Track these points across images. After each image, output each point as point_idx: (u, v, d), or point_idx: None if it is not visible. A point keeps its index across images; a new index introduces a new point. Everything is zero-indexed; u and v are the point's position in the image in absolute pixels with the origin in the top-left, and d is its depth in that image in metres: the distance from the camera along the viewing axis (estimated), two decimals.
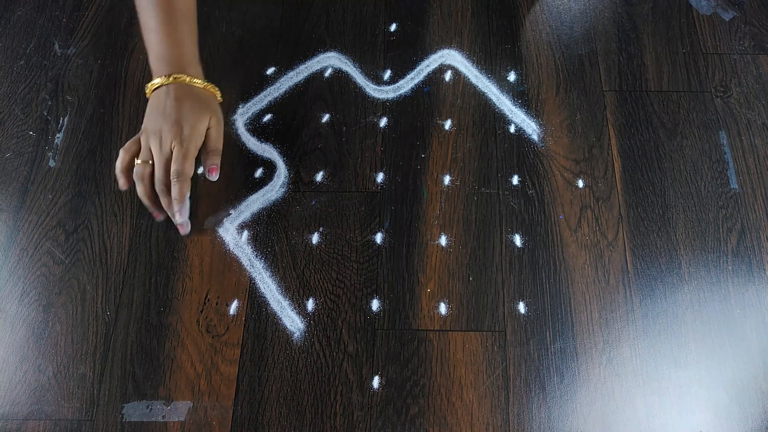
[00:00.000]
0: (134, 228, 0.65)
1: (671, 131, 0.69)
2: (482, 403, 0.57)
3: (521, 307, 0.61)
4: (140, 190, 0.62)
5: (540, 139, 0.69)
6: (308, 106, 0.71)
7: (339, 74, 0.73)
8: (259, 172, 0.68)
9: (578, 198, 0.66)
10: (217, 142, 0.64)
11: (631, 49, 0.75)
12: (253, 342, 0.59)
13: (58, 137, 0.70)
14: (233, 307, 0.61)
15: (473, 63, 0.74)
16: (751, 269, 0.62)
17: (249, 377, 0.58)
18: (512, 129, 0.70)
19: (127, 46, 0.76)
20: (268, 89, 0.72)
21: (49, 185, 0.67)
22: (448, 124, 0.70)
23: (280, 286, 0.62)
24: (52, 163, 0.69)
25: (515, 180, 0.67)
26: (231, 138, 0.69)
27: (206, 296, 0.61)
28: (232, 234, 0.64)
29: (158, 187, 0.60)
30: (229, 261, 0.63)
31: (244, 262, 0.63)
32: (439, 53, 0.75)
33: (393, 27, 0.76)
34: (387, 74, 0.73)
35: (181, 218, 0.61)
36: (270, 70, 0.74)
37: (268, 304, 0.61)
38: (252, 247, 0.64)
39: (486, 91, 0.72)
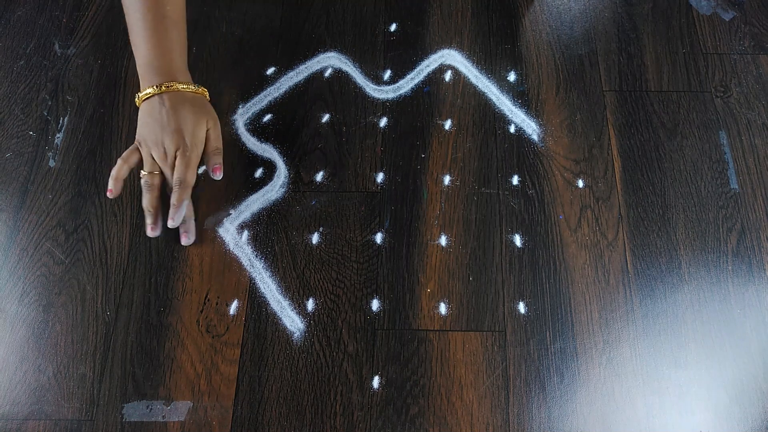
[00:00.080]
0: (134, 228, 0.65)
1: (671, 131, 0.69)
2: (482, 403, 0.57)
3: (521, 307, 0.61)
4: (147, 200, 0.62)
5: (540, 139, 0.69)
6: (308, 106, 0.71)
7: (339, 74, 0.73)
8: (259, 172, 0.68)
9: (578, 198, 0.66)
10: (217, 141, 0.65)
11: (631, 49, 0.75)
12: (253, 342, 0.59)
13: (58, 137, 0.70)
14: (233, 307, 0.61)
15: (473, 63, 0.74)
16: (751, 269, 0.62)
17: (249, 377, 0.58)
18: (512, 129, 0.70)
19: (127, 46, 0.75)
20: (268, 89, 0.72)
21: (49, 185, 0.67)
22: (448, 124, 0.70)
23: (280, 286, 0.62)
24: (52, 163, 0.69)
25: (515, 180, 0.67)
26: (231, 138, 0.69)
27: (206, 296, 0.61)
28: (232, 234, 0.64)
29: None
30: (229, 261, 0.63)
31: (244, 262, 0.63)
32: (439, 53, 0.75)
33: (393, 27, 0.76)
34: (387, 74, 0.73)
35: (174, 223, 0.61)
36: (270, 70, 0.74)
37: (268, 304, 0.61)
38: (252, 247, 0.64)
39: (486, 91, 0.72)
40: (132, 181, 0.67)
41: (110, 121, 0.71)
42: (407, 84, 0.73)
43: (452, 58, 0.74)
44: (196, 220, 0.64)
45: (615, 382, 0.57)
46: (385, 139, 0.69)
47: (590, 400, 0.57)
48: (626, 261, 0.63)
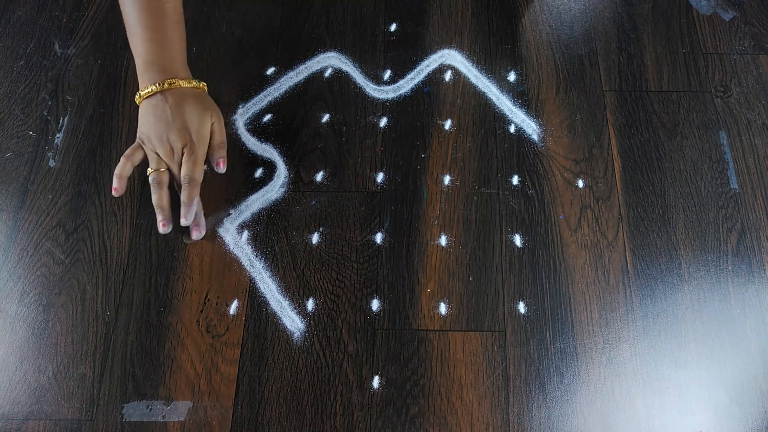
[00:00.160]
0: (134, 228, 0.65)
1: (671, 131, 0.69)
2: (482, 403, 0.57)
3: (521, 307, 0.61)
4: (156, 198, 0.62)
5: (540, 139, 0.69)
6: (308, 106, 0.71)
7: (339, 74, 0.73)
8: (259, 172, 0.68)
9: (578, 198, 0.66)
10: (222, 135, 0.65)
11: (631, 49, 0.75)
12: (253, 342, 0.59)
13: (58, 137, 0.70)
14: (233, 307, 0.61)
15: (473, 63, 0.74)
16: (751, 269, 0.62)
17: (249, 377, 0.58)
18: (512, 129, 0.70)
19: (128, 46, 0.75)
20: (268, 89, 0.72)
21: (49, 185, 0.67)
22: (448, 124, 0.70)
23: (280, 286, 0.62)
24: (52, 163, 0.69)
25: (515, 180, 0.67)
26: (231, 138, 0.69)
27: (206, 296, 0.61)
28: (232, 234, 0.64)
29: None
30: (229, 261, 0.63)
31: (244, 262, 0.63)
32: (439, 53, 0.75)
33: (393, 27, 0.76)
34: (387, 74, 0.73)
35: (186, 221, 0.61)
36: (270, 70, 0.74)
37: (268, 304, 0.61)
38: (252, 247, 0.64)
39: (486, 91, 0.72)
40: (132, 181, 0.67)
41: (110, 121, 0.71)
42: (407, 84, 0.73)
43: (452, 58, 0.74)
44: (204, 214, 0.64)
45: (615, 382, 0.57)
46: (385, 139, 0.69)
47: (590, 400, 0.57)
48: (626, 261, 0.63)
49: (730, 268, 0.62)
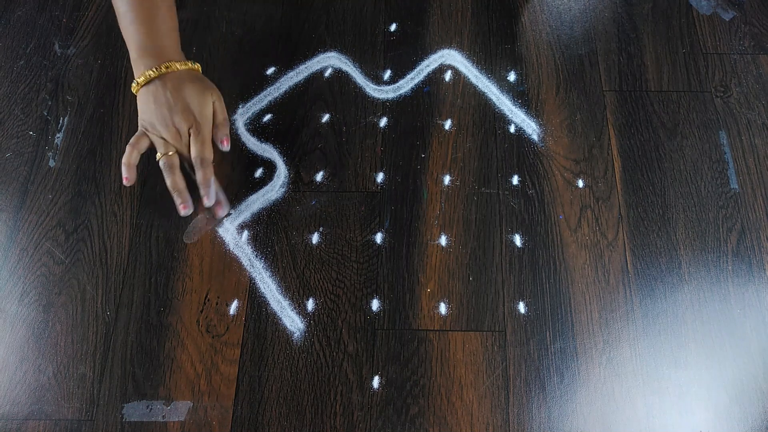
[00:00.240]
0: (134, 228, 0.65)
1: (671, 131, 0.69)
2: (482, 403, 0.57)
3: (521, 307, 0.61)
4: (171, 181, 0.61)
5: (540, 139, 0.69)
6: (308, 106, 0.71)
7: (339, 74, 0.73)
8: (259, 172, 0.68)
9: (578, 198, 0.66)
10: (223, 112, 0.64)
11: (631, 49, 0.75)
12: (253, 342, 0.59)
13: (58, 137, 0.70)
14: (233, 307, 0.61)
15: (473, 63, 0.74)
16: (751, 269, 0.62)
17: (249, 377, 0.58)
18: (512, 129, 0.70)
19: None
20: (268, 89, 0.72)
21: (49, 185, 0.67)
22: (448, 124, 0.70)
23: (280, 286, 0.62)
24: (52, 163, 0.69)
25: (515, 180, 0.67)
26: (231, 138, 0.69)
27: (206, 296, 0.61)
28: (232, 234, 0.64)
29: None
30: (229, 261, 0.63)
31: (244, 262, 0.63)
32: (439, 53, 0.75)
33: (393, 27, 0.76)
34: (387, 74, 0.73)
35: (210, 201, 0.61)
36: (270, 70, 0.74)
37: (268, 304, 0.61)
38: (252, 247, 0.64)
39: (486, 91, 0.72)
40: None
41: (110, 121, 0.71)
42: (407, 84, 0.73)
43: (452, 58, 0.74)
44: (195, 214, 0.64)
45: (615, 382, 0.57)
46: (385, 139, 0.69)
47: (590, 400, 0.57)
48: (626, 261, 0.63)
49: (730, 268, 0.62)
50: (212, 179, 0.61)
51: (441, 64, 0.74)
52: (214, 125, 0.63)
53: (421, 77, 0.73)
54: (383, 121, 0.70)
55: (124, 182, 0.61)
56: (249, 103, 0.71)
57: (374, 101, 0.72)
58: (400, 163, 0.68)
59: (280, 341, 0.59)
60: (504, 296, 0.61)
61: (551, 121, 0.70)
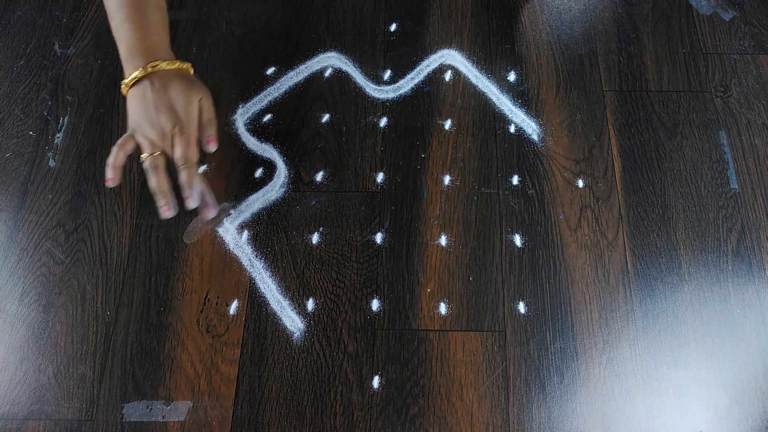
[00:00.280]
0: (134, 228, 0.65)
1: (671, 131, 0.69)
2: (482, 403, 0.57)
3: (521, 307, 0.61)
4: (154, 182, 0.60)
5: (540, 139, 0.69)
6: (308, 106, 0.71)
7: (339, 74, 0.73)
8: (259, 172, 0.68)
9: (578, 198, 0.66)
10: (210, 112, 0.63)
11: (631, 49, 0.75)
12: (253, 342, 0.59)
13: (58, 137, 0.70)
14: (233, 307, 0.61)
15: (473, 63, 0.74)
16: (751, 269, 0.62)
17: (249, 377, 0.58)
18: (512, 129, 0.70)
19: None
20: (268, 89, 0.72)
21: (49, 185, 0.67)
22: (448, 124, 0.70)
23: (280, 286, 0.62)
24: (52, 163, 0.69)
25: (515, 180, 0.67)
26: (231, 138, 0.69)
27: (206, 296, 0.61)
28: (232, 234, 0.64)
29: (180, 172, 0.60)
30: (229, 261, 0.63)
31: (244, 262, 0.63)
32: (439, 53, 0.75)
33: (393, 27, 0.76)
34: (387, 74, 0.73)
35: (193, 203, 0.60)
36: (270, 70, 0.74)
37: (268, 304, 0.61)
38: (252, 247, 0.64)
39: (486, 91, 0.72)
40: (132, 181, 0.67)
41: (110, 121, 0.71)
42: (407, 84, 0.73)
43: (452, 58, 0.74)
44: (194, 212, 0.63)
45: (615, 382, 0.57)
46: (385, 139, 0.69)
47: (590, 400, 0.57)
48: (626, 261, 0.63)
49: (730, 268, 0.62)
50: (196, 180, 0.60)
51: (441, 64, 0.74)
52: (200, 125, 0.62)
53: (421, 77, 0.73)
54: (383, 121, 0.70)
55: (107, 183, 0.60)
56: (249, 103, 0.71)
57: (374, 101, 0.72)
58: (400, 163, 0.68)
59: (280, 341, 0.59)
60: (504, 296, 0.61)
61: (551, 121, 0.70)
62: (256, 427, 0.56)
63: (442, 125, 0.70)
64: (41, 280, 0.62)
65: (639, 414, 0.56)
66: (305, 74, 0.73)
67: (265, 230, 0.65)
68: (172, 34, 0.76)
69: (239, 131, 0.70)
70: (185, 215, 0.64)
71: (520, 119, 0.70)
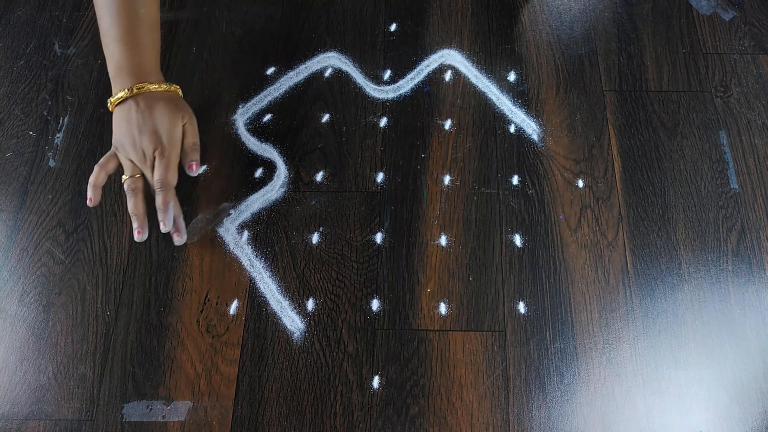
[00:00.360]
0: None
1: (671, 131, 0.69)
2: (482, 403, 0.57)
3: (521, 307, 0.61)
4: (132, 205, 0.61)
5: (540, 139, 0.69)
6: (308, 106, 0.71)
7: (339, 74, 0.73)
8: (259, 172, 0.68)
9: (578, 198, 0.66)
10: (194, 137, 0.64)
11: (631, 49, 0.75)
12: (253, 342, 0.59)
13: (58, 137, 0.70)
14: (233, 307, 0.61)
15: (473, 63, 0.74)
16: (751, 269, 0.62)
17: (249, 377, 0.58)
18: (512, 129, 0.70)
19: None
20: (268, 89, 0.72)
21: (49, 185, 0.67)
22: (448, 124, 0.70)
23: (280, 286, 0.62)
24: (52, 163, 0.69)
25: (515, 180, 0.67)
26: (231, 138, 0.69)
27: (206, 296, 0.61)
28: (232, 234, 0.64)
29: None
30: (229, 261, 0.63)
31: (244, 262, 0.63)
32: (439, 53, 0.75)
33: (393, 27, 0.76)
34: (387, 74, 0.73)
35: (166, 227, 0.61)
36: (270, 70, 0.74)
37: (268, 304, 0.61)
38: (252, 247, 0.64)
39: (486, 91, 0.72)
40: None
41: (110, 121, 0.71)
42: (407, 84, 0.73)
43: (452, 58, 0.74)
44: (193, 214, 0.64)
45: (615, 382, 0.57)
46: (385, 139, 0.69)
47: (590, 400, 0.57)
48: (626, 261, 0.63)
49: (730, 268, 0.62)
50: (171, 204, 0.61)
51: (441, 64, 0.74)
52: (183, 149, 0.63)
53: (421, 77, 0.73)
54: (383, 121, 0.70)
55: (88, 203, 0.61)
56: (249, 103, 0.71)
57: (374, 101, 0.72)
58: (400, 163, 0.68)
59: (280, 341, 0.59)
60: (504, 296, 0.61)
61: (551, 121, 0.70)
62: (256, 427, 0.56)
63: (442, 125, 0.70)
64: (41, 280, 0.62)
65: (639, 414, 0.56)
66: (305, 74, 0.73)
67: (265, 230, 0.65)
68: (172, 34, 0.76)
69: (239, 131, 0.70)
70: (184, 217, 0.64)
71: (520, 119, 0.70)
